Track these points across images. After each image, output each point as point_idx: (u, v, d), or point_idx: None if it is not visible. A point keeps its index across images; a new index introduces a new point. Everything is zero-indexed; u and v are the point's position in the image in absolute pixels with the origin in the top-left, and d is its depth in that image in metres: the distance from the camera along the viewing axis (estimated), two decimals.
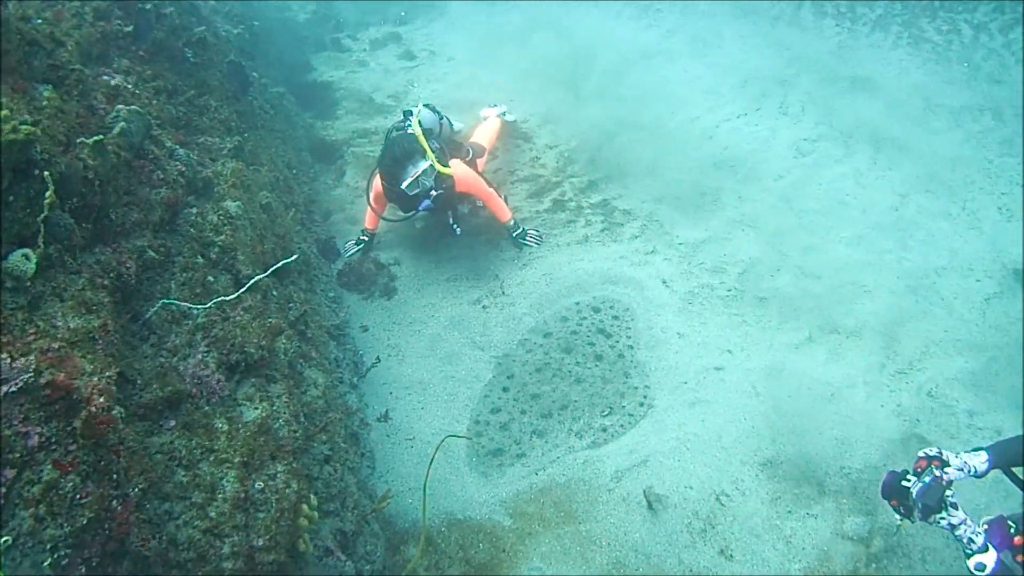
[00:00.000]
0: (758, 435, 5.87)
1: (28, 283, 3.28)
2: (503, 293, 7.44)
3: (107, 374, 3.15)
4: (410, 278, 7.79)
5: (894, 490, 4.05)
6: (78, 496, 2.61)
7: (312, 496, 4.10)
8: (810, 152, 8.93)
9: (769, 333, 6.74)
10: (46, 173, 3.29)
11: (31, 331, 3.07)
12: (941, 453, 4.02)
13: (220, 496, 3.53)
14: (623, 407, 6.23)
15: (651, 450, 5.84)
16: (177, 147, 5.24)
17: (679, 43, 11.82)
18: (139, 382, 3.85)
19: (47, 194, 3.31)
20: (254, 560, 3.38)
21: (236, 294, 4.51)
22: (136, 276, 4.17)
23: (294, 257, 5.17)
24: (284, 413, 4.40)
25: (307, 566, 4.07)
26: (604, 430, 6.07)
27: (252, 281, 4.65)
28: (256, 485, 3.74)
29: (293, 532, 3.76)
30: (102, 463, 2.77)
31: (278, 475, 3.91)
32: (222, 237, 5.02)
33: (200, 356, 4.25)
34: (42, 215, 3.39)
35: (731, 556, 5.16)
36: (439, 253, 8.04)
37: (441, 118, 7.95)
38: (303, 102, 10.90)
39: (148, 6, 5.90)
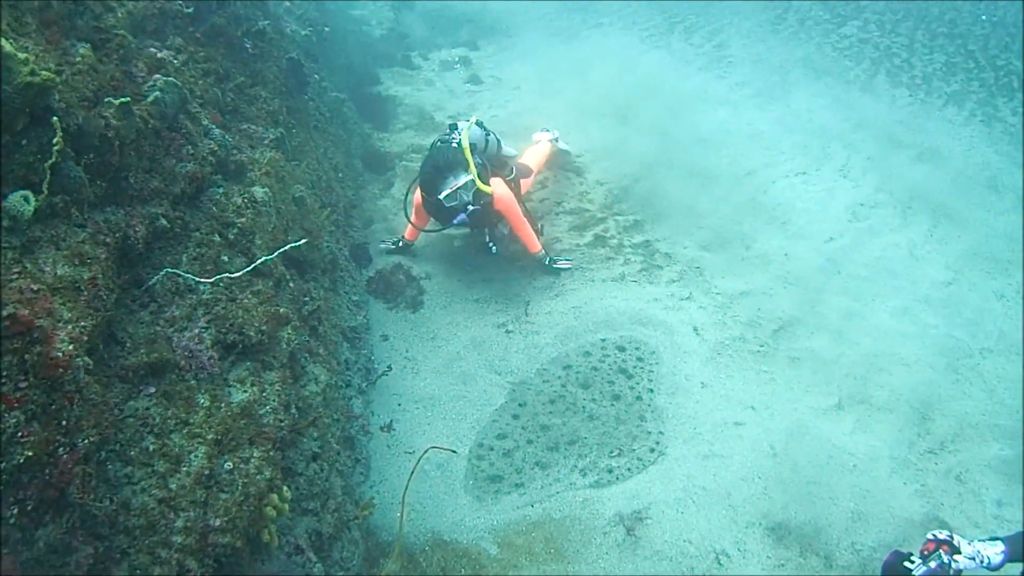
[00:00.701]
0: (769, 497, 5.56)
1: (25, 225, 3.27)
2: (529, 321, 7.29)
3: (83, 324, 3.09)
4: (438, 294, 7.70)
5: (895, 571, 3.72)
6: (19, 434, 2.52)
7: (285, 489, 3.96)
8: (866, 217, 8.63)
9: (797, 395, 6.43)
10: (55, 119, 3.27)
11: (15, 270, 3.03)
12: (952, 537, 3.68)
13: (184, 469, 3.42)
14: (633, 450, 5.98)
15: (655, 498, 5.58)
16: (213, 127, 5.25)
17: (746, 95, 11.68)
18: (128, 345, 3.80)
19: (55, 140, 3.30)
20: (207, 539, 3.25)
21: (240, 272, 4.45)
22: (144, 242, 4.14)
23: (302, 241, 5.08)
24: (273, 401, 4.29)
25: (270, 559, 3.92)
26: (610, 471, 5.82)
27: (259, 261, 4.59)
28: (225, 465, 3.62)
29: (257, 520, 3.62)
30: (53, 407, 2.68)
31: (252, 460, 3.79)
32: (243, 219, 4.99)
33: (197, 331, 4.19)
34: (49, 162, 3.38)
35: None
36: (472, 273, 7.95)
37: (488, 135, 7.91)
38: (364, 113, 11.02)
39: None
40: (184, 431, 3.60)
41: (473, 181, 6.98)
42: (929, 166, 9.75)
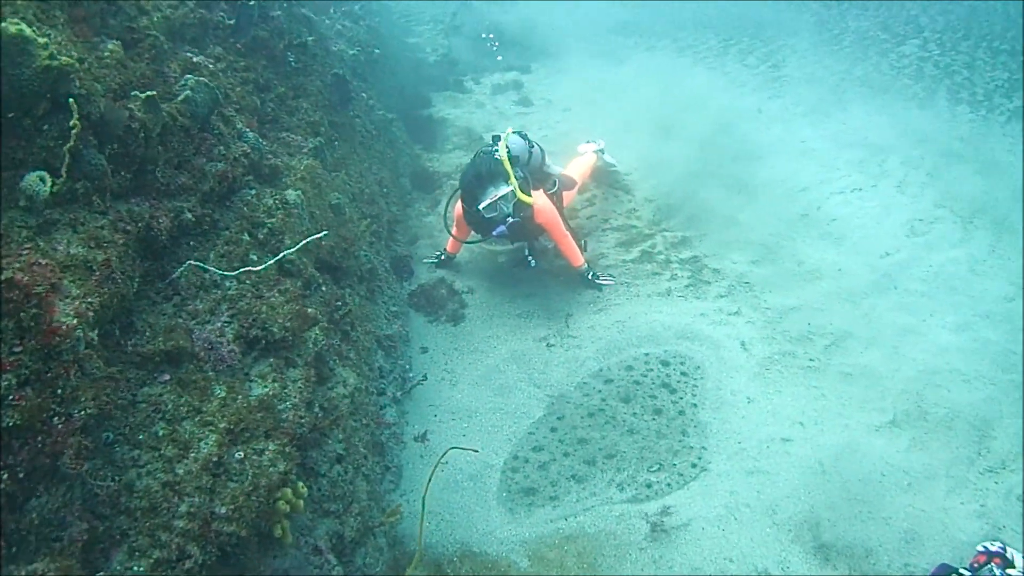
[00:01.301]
0: (817, 516, 5.23)
1: (42, 206, 3.29)
2: (570, 334, 7.13)
3: (90, 300, 3.07)
4: (480, 307, 7.61)
5: None
6: (11, 397, 2.49)
7: (301, 485, 3.87)
8: (924, 233, 8.23)
9: (849, 411, 6.09)
10: (71, 100, 3.30)
11: (27, 246, 3.04)
12: (1005, 550, 3.36)
13: (192, 455, 3.36)
14: (674, 465, 5.73)
15: (695, 514, 5.31)
16: (248, 131, 5.30)
17: (800, 114, 11.41)
18: (147, 334, 3.78)
19: (71, 122, 3.33)
20: (210, 526, 3.16)
21: (262, 266, 4.43)
22: (169, 234, 4.15)
23: (323, 232, 5.05)
24: (294, 397, 4.22)
25: (284, 556, 3.82)
26: (649, 486, 5.58)
27: (281, 255, 4.56)
28: (236, 454, 3.55)
29: (267, 513, 3.52)
30: (48, 374, 2.65)
31: (266, 452, 3.71)
32: (273, 220, 4.99)
33: (219, 324, 4.16)
34: (68, 145, 3.41)
35: None
36: (515, 288, 7.84)
37: (532, 147, 7.84)
38: (414, 134, 11.14)
39: (251, 3, 6.11)
40: (196, 419, 3.55)
41: (514, 192, 6.90)
42: (991, 180, 9.29)
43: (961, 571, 3.35)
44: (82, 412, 2.78)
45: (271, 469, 3.63)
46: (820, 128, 10.86)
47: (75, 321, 2.89)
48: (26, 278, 2.68)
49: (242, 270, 4.36)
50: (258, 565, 3.50)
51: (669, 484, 5.59)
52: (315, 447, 4.50)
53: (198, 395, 3.68)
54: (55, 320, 2.73)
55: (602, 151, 9.55)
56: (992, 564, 3.29)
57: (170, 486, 3.18)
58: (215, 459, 3.40)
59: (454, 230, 7.75)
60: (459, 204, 7.48)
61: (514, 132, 7.74)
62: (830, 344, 6.81)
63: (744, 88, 12.54)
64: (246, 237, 4.73)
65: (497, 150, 7.10)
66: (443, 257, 8.10)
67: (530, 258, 7.44)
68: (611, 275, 7.87)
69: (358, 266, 6.29)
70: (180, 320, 4.04)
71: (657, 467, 5.70)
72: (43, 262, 2.98)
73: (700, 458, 5.78)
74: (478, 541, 5.21)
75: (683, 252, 8.30)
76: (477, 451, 5.78)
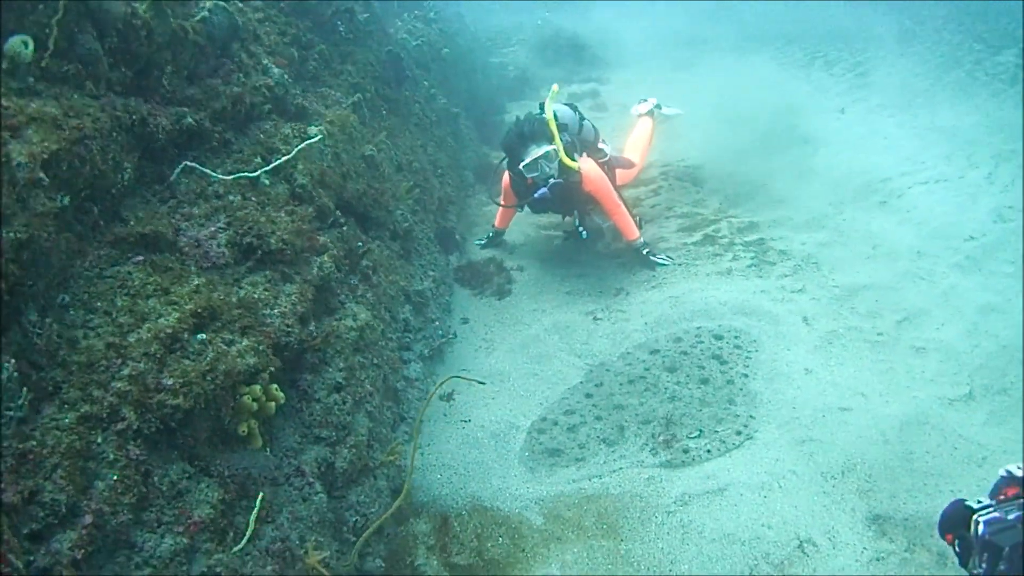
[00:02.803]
0: (874, 487, 4.62)
1: (25, 70, 3.25)
2: (620, 309, 6.73)
3: (46, 145, 2.97)
4: (528, 284, 7.33)
5: (955, 521, 2.66)
6: None
7: (276, 388, 3.65)
8: (1012, 219, 7.43)
9: (919, 384, 5.44)
10: None
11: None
12: None
13: (148, 326, 3.18)
14: (716, 432, 5.22)
15: (733, 479, 4.78)
16: (273, 67, 5.27)
17: (885, 115, 10.78)
18: (131, 223, 3.68)
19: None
20: (152, 395, 2.95)
21: (259, 171, 4.30)
22: (168, 137, 4.08)
23: (317, 138, 4.87)
24: (284, 306, 4.03)
25: (252, 462, 3.56)
26: (686, 451, 5.08)
27: (278, 161, 4.42)
28: (199, 336, 3.36)
29: (224, 399, 3.30)
30: None
31: (236, 344, 3.51)
32: (288, 147, 4.89)
33: (213, 228, 4.04)
34: (56, 17, 3.38)
35: None
36: (567, 268, 7.54)
37: (583, 120, 7.59)
38: (486, 137, 11.20)
39: None
40: (163, 298, 3.38)
41: (556, 152, 6.66)
42: None
43: (982, 501, 2.62)
44: (12, 234, 2.63)
45: (238, 360, 3.42)
46: (906, 127, 10.17)
47: (25, 160, 2.79)
48: None
49: (237, 175, 4.25)
50: (212, 455, 3.25)
51: (709, 451, 5.07)
52: (312, 372, 4.27)
53: (171, 279, 3.52)
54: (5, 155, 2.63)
55: (658, 107, 9.25)
56: None
57: (115, 348, 3.00)
58: (172, 333, 3.21)
59: (502, 199, 7.54)
60: (506, 175, 7.29)
61: (564, 103, 7.53)
62: (902, 320, 6.16)
63: (828, 93, 12.00)
64: (258, 160, 4.63)
65: (543, 112, 6.88)
66: (491, 235, 7.90)
67: (581, 229, 7.13)
68: (669, 256, 7.44)
69: (391, 221, 6.13)
70: (174, 221, 3.94)
71: (697, 433, 5.21)
72: (10, 108, 2.92)
73: (746, 426, 5.25)
74: (491, 496, 4.84)
75: (748, 236, 7.81)
76: (484, 383, 5.46)
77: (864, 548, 4.25)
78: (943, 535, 2.70)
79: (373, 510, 4.31)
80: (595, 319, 6.66)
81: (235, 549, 3.15)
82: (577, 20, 16.49)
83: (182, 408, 3.03)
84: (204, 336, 3.37)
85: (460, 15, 15.23)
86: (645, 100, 9.46)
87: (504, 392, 5.82)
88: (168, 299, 3.38)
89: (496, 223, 7.86)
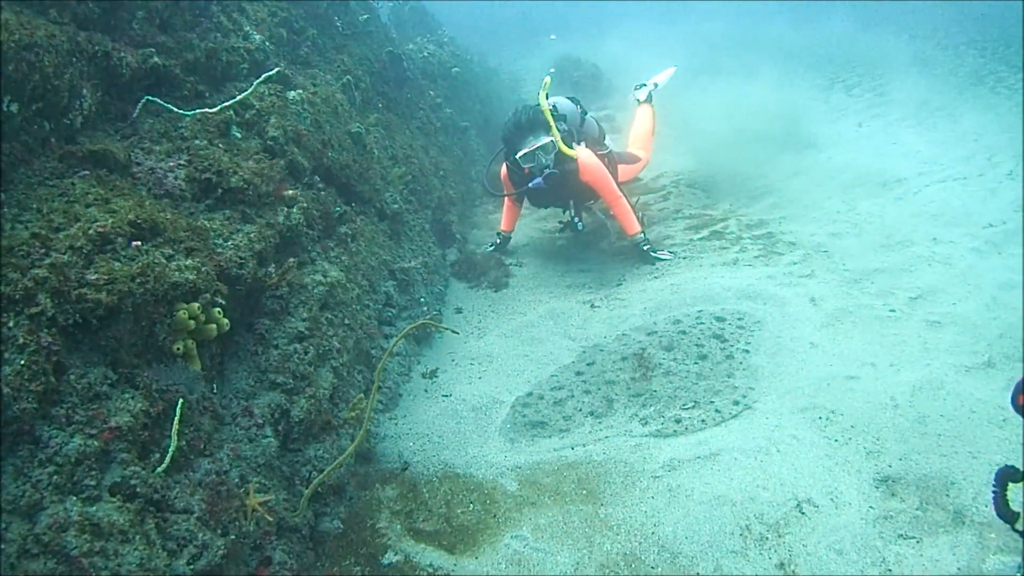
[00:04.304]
0: (883, 449, 4.24)
1: None
2: (618, 297, 6.47)
3: None
4: (527, 278, 7.12)
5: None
6: None
7: (219, 312, 3.45)
8: None
9: (933, 354, 5.06)
10: None
11: None
12: None
13: (79, 227, 3.02)
14: (711, 403, 4.88)
15: (728, 445, 4.43)
16: (255, 33, 5.23)
17: (905, 126, 10.52)
18: (84, 147, 3.57)
19: None
20: (72, 287, 2.77)
21: (218, 107, 4.19)
22: (133, 74, 4.01)
23: (275, 71, 4.74)
24: (240, 240, 3.87)
25: (189, 384, 3.33)
26: (678, 421, 4.75)
27: (241, 96, 4.31)
28: (133, 242, 3.19)
29: (158, 313, 3.12)
30: None
31: (176, 257, 3.34)
32: (263, 104, 4.80)
33: (172, 163, 3.92)
34: None
35: (793, 573, 3.58)
36: (568, 264, 7.33)
37: (585, 114, 7.47)
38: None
39: None
40: (104, 207, 3.23)
41: (554, 143, 6.51)
42: None
43: None
44: None
45: (175, 273, 3.24)
46: (925, 136, 9.88)
47: None
48: None
49: (197, 111, 4.14)
50: (134, 361, 3.04)
51: (703, 420, 4.73)
52: (272, 318, 4.09)
53: (115, 192, 3.39)
54: None
55: (655, 86, 9.17)
56: None
57: (41, 239, 2.84)
58: (103, 234, 3.05)
59: (503, 187, 7.38)
60: (504, 167, 7.17)
61: (567, 97, 7.43)
62: (916, 297, 5.80)
63: (846, 111, 11.75)
64: (231, 113, 4.54)
65: (539, 102, 6.76)
66: (499, 240, 7.71)
67: (576, 220, 6.93)
68: (672, 251, 7.19)
69: (379, 200, 6.00)
70: (133, 155, 3.83)
71: (692, 405, 4.88)
72: None
73: (745, 396, 4.91)
74: (465, 464, 4.54)
75: (757, 230, 7.53)
76: (456, 332, 5.20)
77: (870, 507, 3.86)
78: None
79: (333, 469, 4.04)
80: (592, 307, 6.40)
81: (158, 469, 2.92)
82: (593, 50, 16.62)
83: (104, 304, 2.84)
84: (140, 243, 3.20)
85: (483, 55, 15.46)
86: (643, 85, 9.35)
87: (491, 372, 5.56)
88: (108, 208, 3.23)
89: (502, 225, 7.69)
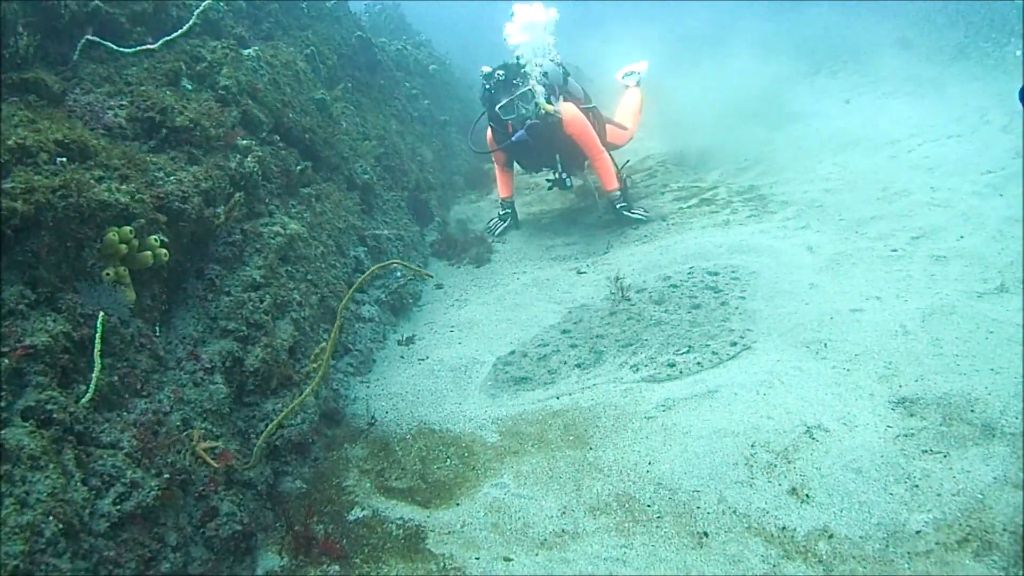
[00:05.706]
0: (896, 373, 3.91)
1: None
2: (606, 262, 6.19)
3: None
4: (510, 253, 6.86)
5: None
6: None
7: (155, 239, 3.14)
8: None
9: (941, 283, 4.75)
10: None
11: None
12: None
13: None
14: (707, 346, 4.54)
15: (727, 382, 4.10)
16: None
17: (894, 98, 10.31)
18: (12, 76, 3.29)
19: None
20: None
21: (162, 40, 3.94)
22: (73, 15, 3.76)
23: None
24: (184, 179, 3.58)
25: (100, 293, 2.98)
26: (672, 365, 4.41)
27: (181, 31, 4.05)
28: (58, 159, 2.90)
29: (85, 235, 2.82)
30: None
31: (108, 180, 3.05)
32: (215, 56, 4.55)
33: (113, 103, 3.66)
34: None
35: (807, 497, 3.22)
36: (554, 239, 7.05)
37: (567, 76, 7.26)
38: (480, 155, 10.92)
39: None
40: (30, 127, 2.95)
41: (532, 92, 6.32)
42: None
43: None
44: None
45: (105, 194, 2.96)
46: (915, 105, 9.62)
47: None
48: None
49: (138, 48, 3.88)
50: (57, 284, 2.72)
51: (699, 363, 4.39)
52: (223, 265, 3.79)
53: (44, 117, 3.11)
54: None
55: (638, 75, 9.00)
56: None
57: None
58: (24, 147, 2.77)
59: (490, 148, 7.16)
60: (489, 130, 7.00)
61: (553, 61, 7.24)
62: (917, 237, 5.51)
63: (832, 94, 11.52)
64: (182, 66, 4.28)
65: (521, 59, 6.56)
66: (502, 212, 7.42)
67: (565, 176, 6.76)
68: (646, 212, 6.95)
69: (347, 169, 5.73)
70: (71, 96, 3.56)
71: (686, 349, 4.55)
72: None
73: (743, 337, 4.58)
74: (441, 420, 4.21)
75: (748, 194, 7.26)
76: (431, 275, 4.89)
77: (888, 426, 3.52)
78: None
79: (293, 423, 3.71)
80: (579, 272, 6.11)
81: (82, 400, 2.60)
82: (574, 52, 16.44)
83: (19, 213, 2.55)
84: (66, 160, 2.92)
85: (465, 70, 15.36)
86: (633, 73, 9.14)
87: (472, 337, 5.24)
88: (36, 128, 2.95)
89: (501, 193, 7.46)
